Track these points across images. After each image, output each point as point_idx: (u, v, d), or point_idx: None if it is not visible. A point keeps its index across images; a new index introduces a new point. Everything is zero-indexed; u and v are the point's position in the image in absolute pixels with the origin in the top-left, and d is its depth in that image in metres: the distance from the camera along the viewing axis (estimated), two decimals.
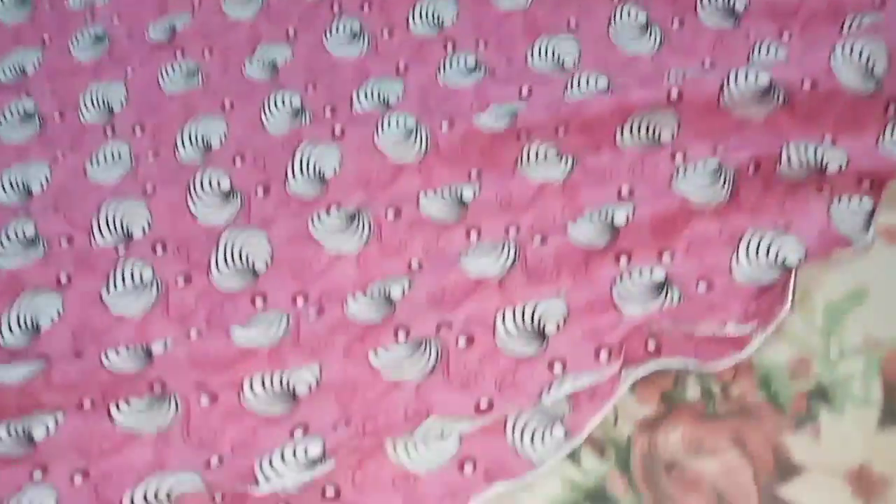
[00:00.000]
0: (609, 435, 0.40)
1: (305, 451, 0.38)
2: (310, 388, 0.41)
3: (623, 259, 0.43)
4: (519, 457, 0.39)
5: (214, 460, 0.40)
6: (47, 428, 0.41)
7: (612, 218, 0.43)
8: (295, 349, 0.43)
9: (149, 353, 0.43)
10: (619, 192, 0.45)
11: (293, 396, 0.41)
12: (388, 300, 0.43)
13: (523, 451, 0.39)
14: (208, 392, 0.42)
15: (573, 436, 0.39)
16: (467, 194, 0.46)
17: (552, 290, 0.43)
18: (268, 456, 0.39)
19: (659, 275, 0.42)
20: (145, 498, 0.38)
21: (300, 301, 0.45)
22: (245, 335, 0.43)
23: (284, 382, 0.42)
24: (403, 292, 0.43)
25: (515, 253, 0.43)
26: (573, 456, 0.39)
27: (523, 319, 0.42)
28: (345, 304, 0.43)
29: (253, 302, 0.45)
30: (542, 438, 0.39)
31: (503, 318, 0.42)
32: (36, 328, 0.45)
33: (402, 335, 0.43)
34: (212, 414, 0.41)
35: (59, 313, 0.46)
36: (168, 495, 0.38)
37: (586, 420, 0.39)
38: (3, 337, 0.45)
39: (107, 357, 0.42)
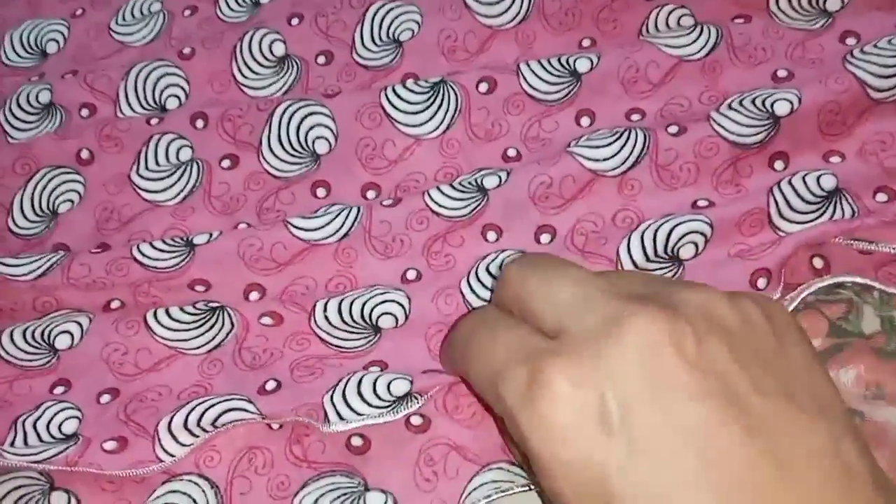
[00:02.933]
0: None
1: (388, 388, 0.31)
2: (396, 322, 0.33)
3: (779, 162, 0.34)
4: None
5: (271, 384, 0.32)
6: (72, 336, 0.34)
7: (772, 107, 0.34)
8: (366, 246, 0.35)
9: (190, 245, 0.35)
10: (775, 75, 0.36)
11: (374, 329, 0.34)
12: (481, 190, 0.35)
13: None
14: (270, 312, 0.34)
15: None
16: (582, 66, 0.37)
17: (688, 197, 0.34)
18: (340, 388, 0.31)
19: (829, 182, 0.33)
20: (185, 425, 0.31)
21: (371, 194, 0.37)
22: (307, 225, 0.35)
23: (367, 313, 0.33)
24: (500, 183, 0.35)
25: (643, 144, 0.34)
26: None
27: (655, 236, 0.33)
28: (426, 195, 0.35)
29: (314, 192, 0.37)
30: None
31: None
32: (53, 212, 0.38)
33: (492, 235, 0.35)
34: (273, 335, 0.34)
35: (80, 195, 0.38)
36: (214, 424, 0.31)
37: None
38: (14, 222, 0.38)
39: (139, 249, 0.35)
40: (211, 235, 0.35)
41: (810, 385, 0.23)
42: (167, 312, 0.34)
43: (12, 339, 0.34)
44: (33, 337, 0.34)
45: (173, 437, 0.31)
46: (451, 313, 0.33)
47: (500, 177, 0.35)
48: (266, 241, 0.35)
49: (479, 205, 0.35)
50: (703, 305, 0.23)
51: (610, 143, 0.34)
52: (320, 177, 0.37)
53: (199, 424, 0.31)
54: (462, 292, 0.33)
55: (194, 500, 0.31)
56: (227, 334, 0.34)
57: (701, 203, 0.34)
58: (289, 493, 0.31)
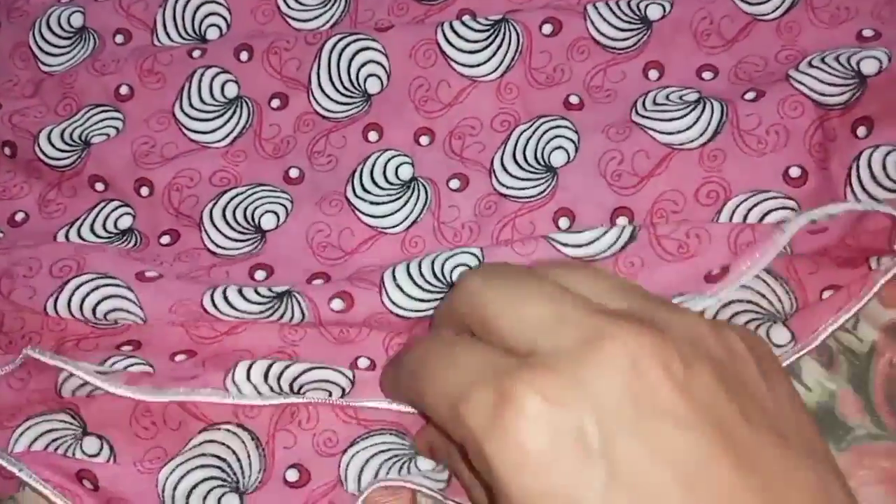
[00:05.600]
0: (843, 344, 0.30)
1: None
2: None
3: (862, 129, 0.32)
4: None
5: (363, 362, 0.31)
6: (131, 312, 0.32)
7: (858, 65, 0.32)
8: (434, 235, 0.33)
9: (259, 231, 0.34)
10: (860, 34, 0.33)
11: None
12: (549, 169, 0.33)
13: None
14: (339, 293, 0.31)
15: (800, 341, 0.29)
16: (653, 12, 0.34)
17: (780, 164, 0.31)
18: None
19: None
20: (266, 377, 0.30)
21: (424, 139, 0.35)
22: (375, 211, 0.33)
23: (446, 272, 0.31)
24: (568, 160, 0.33)
25: (721, 112, 0.32)
26: (793, 367, 0.30)
27: (746, 217, 0.31)
28: (492, 177, 0.33)
29: (365, 136, 0.35)
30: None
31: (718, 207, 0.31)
32: (86, 143, 0.36)
33: (564, 221, 0.32)
34: (348, 317, 0.31)
35: (117, 131, 0.36)
36: (292, 386, 0.30)
37: (820, 323, 0.29)
38: (42, 151, 0.36)
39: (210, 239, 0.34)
40: (278, 218, 0.34)
41: (797, 423, 0.21)
42: (239, 290, 0.32)
43: (80, 304, 0.32)
44: (103, 315, 0.32)
45: (252, 384, 0.30)
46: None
47: (567, 151, 0.33)
48: (334, 227, 0.33)
49: (548, 186, 0.33)
50: (688, 330, 0.21)
51: (684, 115, 0.32)
52: (372, 119, 0.35)
53: (278, 381, 0.30)
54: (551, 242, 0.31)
55: (234, 451, 0.30)
56: (301, 320, 0.31)
57: (793, 172, 0.31)
58: (337, 451, 0.30)
